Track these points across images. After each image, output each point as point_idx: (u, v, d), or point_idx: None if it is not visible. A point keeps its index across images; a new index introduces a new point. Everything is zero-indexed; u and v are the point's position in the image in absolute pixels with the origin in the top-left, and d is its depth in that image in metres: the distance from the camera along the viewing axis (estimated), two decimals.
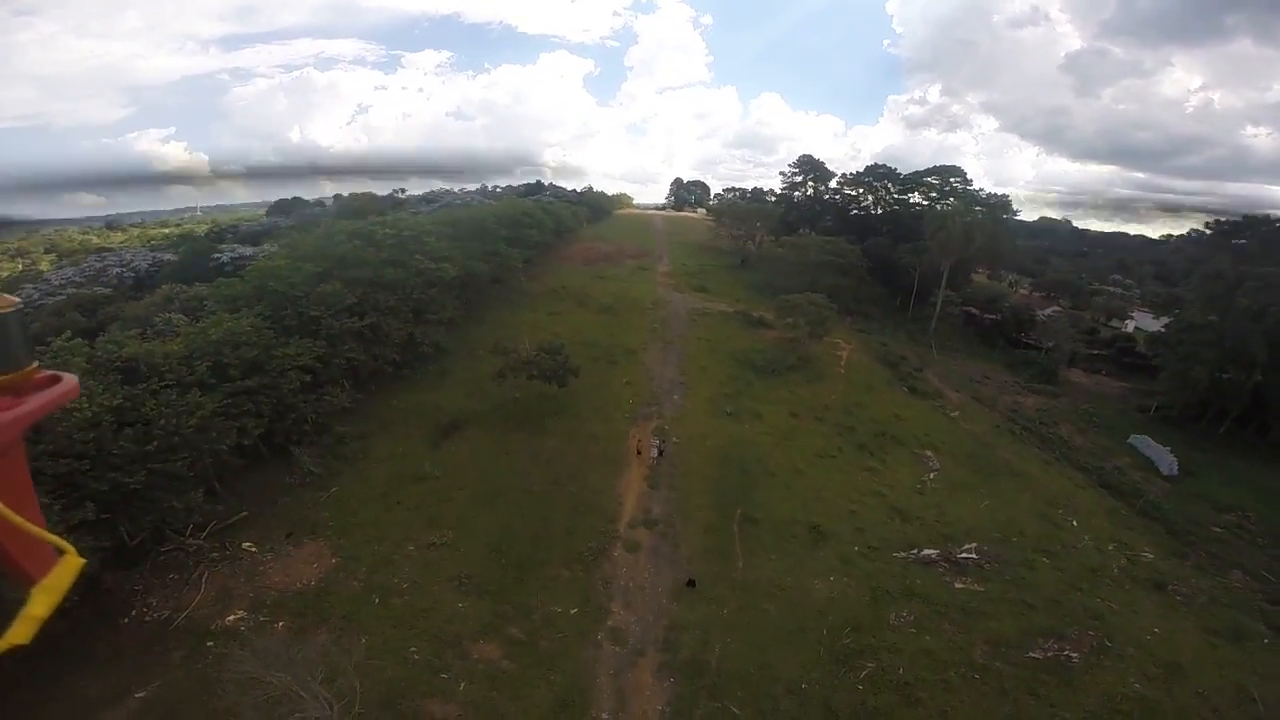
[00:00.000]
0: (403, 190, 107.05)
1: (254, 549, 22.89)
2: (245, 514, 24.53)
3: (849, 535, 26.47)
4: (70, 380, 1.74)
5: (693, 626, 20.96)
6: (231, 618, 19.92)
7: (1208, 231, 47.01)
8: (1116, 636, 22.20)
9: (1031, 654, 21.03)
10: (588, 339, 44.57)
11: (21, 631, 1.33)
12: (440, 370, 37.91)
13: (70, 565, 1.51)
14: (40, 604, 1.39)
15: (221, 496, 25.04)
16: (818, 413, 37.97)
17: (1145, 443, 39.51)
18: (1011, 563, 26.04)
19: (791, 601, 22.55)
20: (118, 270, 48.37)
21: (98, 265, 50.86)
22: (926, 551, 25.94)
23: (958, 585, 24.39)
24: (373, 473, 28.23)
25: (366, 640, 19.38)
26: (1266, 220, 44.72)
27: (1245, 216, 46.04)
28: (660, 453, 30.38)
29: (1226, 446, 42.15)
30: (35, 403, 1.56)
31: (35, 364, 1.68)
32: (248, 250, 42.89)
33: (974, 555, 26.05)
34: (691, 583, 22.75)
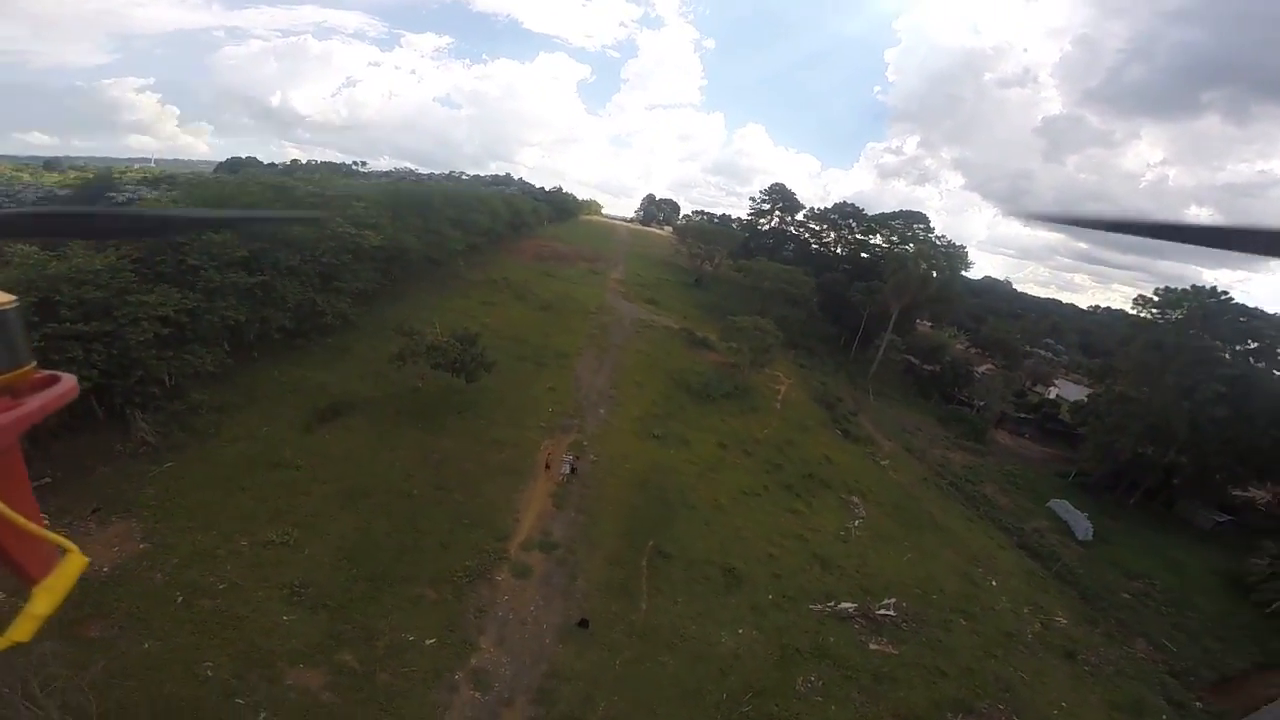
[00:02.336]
0: (363, 163, 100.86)
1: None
2: (49, 480, 20.15)
3: (765, 581, 24.08)
4: (69, 380, 1.71)
5: (577, 676, 17.84)
6: None
7: (1155, 297, 47.51)
8: (1025, 710, 21.02)
9: None
10: (519, 335, 41.39)
11: (23, 629, 1.33)
12: (341, 346, 33.64)
13: (73, 564, 1.49)
14: (42, 603, 1.38)
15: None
16: (748, 446, 35.92)
17: (1064, 507, 39.52)
18: (929, 623, 24.36)
19: (693, 655, 19.77)
20: None
21: None
22: (844, 605, 23.85)
23: (872, 645, 22.36)
24: (222, 452, 23.81)
25: (150, 645, 15.49)
26: (1213, 292, 45.45)
27: (1193, 286, 46.80)
28: (573, 470, 27.29)
29: (1137, 516, 42.84)
30: (34, 404, 1.53)
31: (33, 363, 1.63)
32: (150, 193, 37.42)
33: (892, 612, 24.14)
34: (584, 622, 19.65)
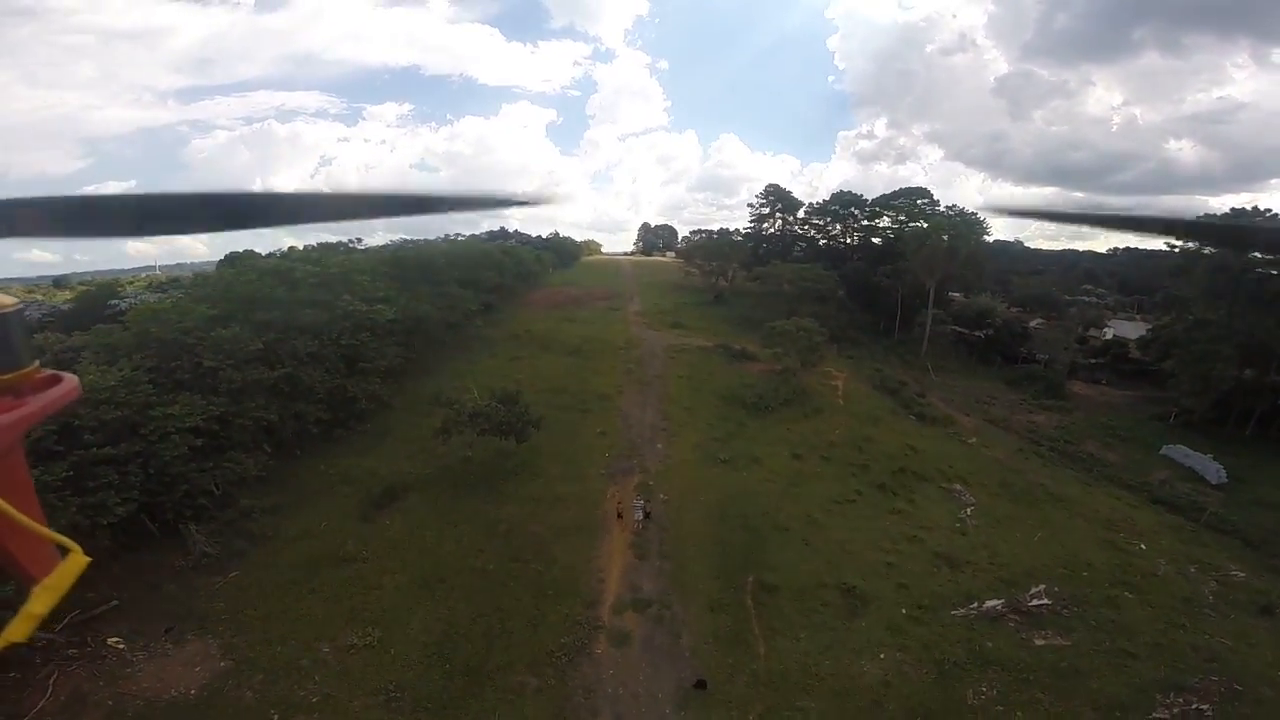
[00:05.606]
0: (359, 240, 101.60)
1: (122, 645, 18.02)
2: (116, 603, 19.24)
3: (892, 595, 21.22)
4: (71, 380, 1.70)
5: None
6: None
7: None
8: (1244, 677, 18.03)
9: (1155, 715, 16.65)
10: (555, 385, 39.58)
11: (20, 629, 1.32)
12: (380, 429, 32.08)
13: (74, 564, 1.47)
14: (41, 602, 1.38)
15: (88, 581, 19.07)
16: (823, 451, 33.17)
17: (1182, 452, 35.84)
18: (1092, 603, 21.30)
19: (835, 692, 17.12)
20: None
21: None
22: (990, 603, 20.82)
23: (1039, 641, 19.38)
24: (284, 554, 22.21)
25: None
26: (1255, 211, 43.44)
27: (1232, 209, 44.76)
28: (646, 514, 24.92)
29: (1259, 447, 38.87)
30: (37, 404, 1.54)
31: (36, 363, 1.64)
32: (152, 297, 36.84)
33: (1047, 600, 21.05)
34: (701, 683, 17.11)
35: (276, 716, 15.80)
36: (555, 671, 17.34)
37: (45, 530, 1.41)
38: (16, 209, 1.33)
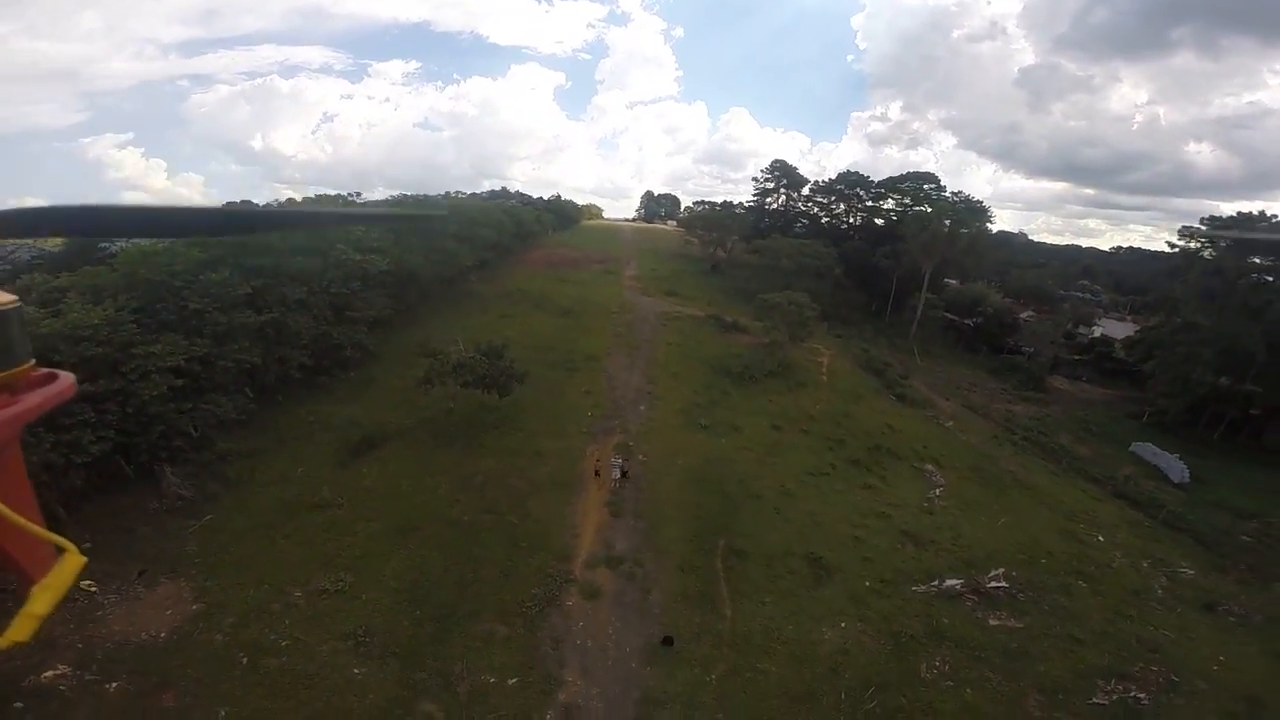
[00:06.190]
0: (358, 194, 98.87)
1: (94, 588, 17.94)
2: (89, 544, 18.78)
3: (856, 567, 21.89)
4: (67, 378, 1.83)
5: (673, 699, 15.98)
6: (50, 673, 15.17)
7: (1202, 227, 45.50)
8: (1182, 669, 18.88)
9: (1095, 700, 17.38)
10: (543, 343, 39.57)
11: (22, 629, 1.34)
12: (365, 378, 32.04)
13: (71, 564, 1.53)
14: (41, 602, 1.41)
15: (62, 522, 19.23)
16: (803, 424, 33.71)
17: (1150, 450, 36.72)
18: (1047, 589, 22.09)
19: (795, 657, 17.77)
20: None
21: None
22: (950, 582, 21.57)
23: (992, 622, 20.17)
24: (258, 498, 22.36)
25: (226, 713, 14.43)
26: (1261, 216, 43.46)
27: (1239, 213, 44.70)
28: (624, 474, 25.31)
29: (1225, 452, 39.87)
30: (33, 400, 1.60)
31: (32, 361, 1.72)
32: (144, 241, 36.01)
33: (1004, 584, 21.82)
34: (668, 640, 17.69)
35: (245, 659, 15.97)
36: (525, 621, 17.83)
37: (42, 530, 1.44)
38: (39, 217, 1.39)
